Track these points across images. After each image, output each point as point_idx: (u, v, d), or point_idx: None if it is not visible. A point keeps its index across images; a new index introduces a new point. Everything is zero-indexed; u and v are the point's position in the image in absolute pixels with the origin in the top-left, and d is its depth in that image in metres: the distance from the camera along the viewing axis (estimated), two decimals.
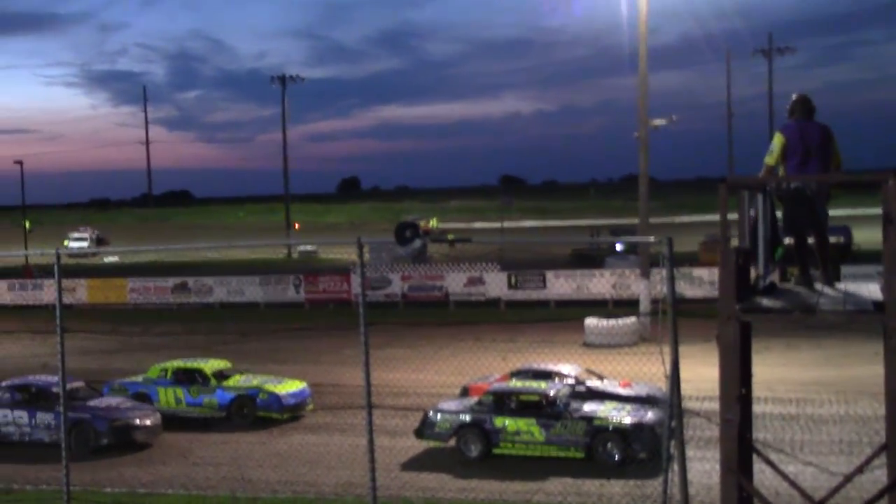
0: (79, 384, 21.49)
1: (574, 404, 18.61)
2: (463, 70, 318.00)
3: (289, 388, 22.72)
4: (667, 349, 11.30)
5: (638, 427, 17.73)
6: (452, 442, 18.96)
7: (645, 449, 17.45)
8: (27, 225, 73.20)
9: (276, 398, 22.23)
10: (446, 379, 23.45)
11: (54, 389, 20.62)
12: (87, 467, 18.46)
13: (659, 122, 34.98)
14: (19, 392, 21.22)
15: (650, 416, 17.93)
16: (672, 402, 11.37)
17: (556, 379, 20.38)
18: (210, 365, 23.54)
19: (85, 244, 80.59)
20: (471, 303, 42.55)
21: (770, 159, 9.92)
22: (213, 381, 22.79)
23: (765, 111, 74.34)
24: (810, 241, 10.04)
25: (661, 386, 18.16)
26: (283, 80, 79.13)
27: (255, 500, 16.49)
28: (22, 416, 20.72)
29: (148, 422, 20.66)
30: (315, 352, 30.88)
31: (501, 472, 17.67)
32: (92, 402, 20.97)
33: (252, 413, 22.19)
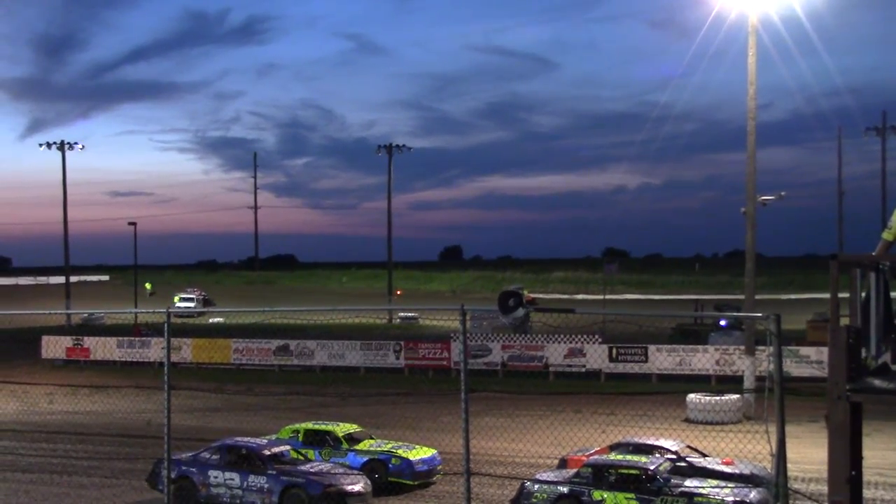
0: (285, 447, 21.40)
1: (674, 480, 18.24)
2: (568, 143, 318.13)
3: (420, 454, 22.55)
4: (773, 428, 11.03)
5: None
6: None
7: None
8: (148, 286, 75.02)
9: (408, 464, 21.96)
10: (544, 450, 23.23)
11: (266, 452, 20.58)
12: None
13: (767, 197, 34.58)
14: (230, 453, 20.86)
15: (753, 495, 17.45)
16: (778, 481, 11.07)
17: (657, 454, 19.98)
18: (341, 428, 23.50)
19: (192, 304, 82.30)
20: (571, 374, 42.19)
21: (888, 234, 9.68)
22: (345, 444, 22.71)
23: (877, 190, 72.76)
24: None
25: (765, 465, 17.73)
26: (389, 148, 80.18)
27: None
28: (233, 477, 20.28)
29: (359, 487, 20.14)
30: (414, 418, 30.90)
31: None
32: (303, 467, 20.59)
33: (383, 477, 21.75)
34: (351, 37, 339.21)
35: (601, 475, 18.52)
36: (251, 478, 20.12)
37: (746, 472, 19.26)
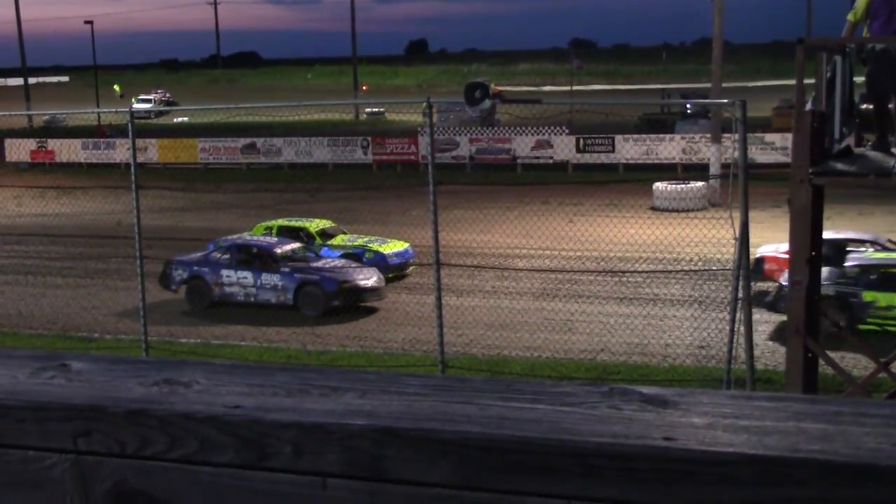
0: (295, 245, 21.50)
1: None
2: None
3: (393, 247, 22.80)
4: (736, 213, 11.25)
5: None
6: None
7: None
8: (117, 88, 73.41)
9: (381, 257, 22.19)
10: (514, 240, 23.57)
11: (277, 250, 20.66)
12: (162, 320, 18.98)
13: None
14: (241, 252, 20.91)
15: None
16: (740, 263, 11.38)
17: (856, 246, 19.08)
18: (314, 224, 23.64)
19: (149, 105, 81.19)
20: (538, 166, 42.33)
21: (852, 16, 9.63)
22: (319, 240, 22.86)
23: None
24: (891, 105, 9.82)
25: None
26: None
27: (324, 353, 16.95)
28: (246, 276, 20.29)
29: (373, 282, 20.22)
30: (383, 212, 31.01)
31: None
32: (317, 264, 20.71)
33: None
34: None
35: (865, 275, 17.62)
36: (264, 276, 20.15)
37: None
